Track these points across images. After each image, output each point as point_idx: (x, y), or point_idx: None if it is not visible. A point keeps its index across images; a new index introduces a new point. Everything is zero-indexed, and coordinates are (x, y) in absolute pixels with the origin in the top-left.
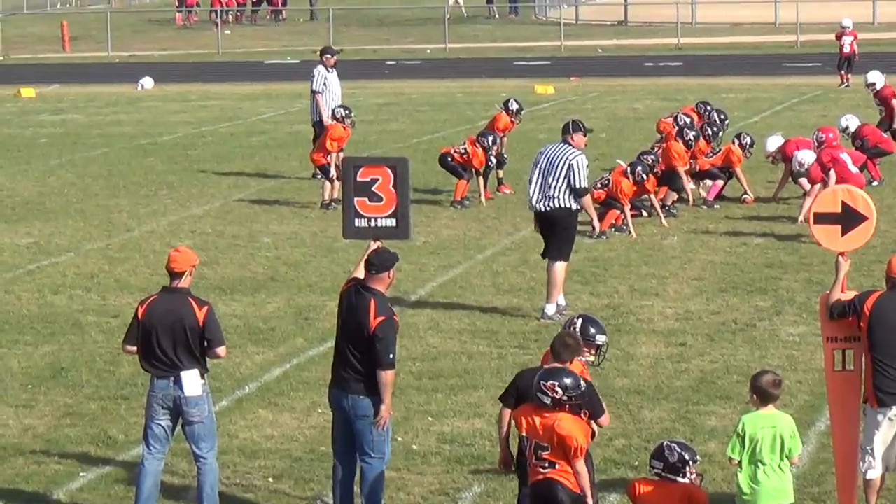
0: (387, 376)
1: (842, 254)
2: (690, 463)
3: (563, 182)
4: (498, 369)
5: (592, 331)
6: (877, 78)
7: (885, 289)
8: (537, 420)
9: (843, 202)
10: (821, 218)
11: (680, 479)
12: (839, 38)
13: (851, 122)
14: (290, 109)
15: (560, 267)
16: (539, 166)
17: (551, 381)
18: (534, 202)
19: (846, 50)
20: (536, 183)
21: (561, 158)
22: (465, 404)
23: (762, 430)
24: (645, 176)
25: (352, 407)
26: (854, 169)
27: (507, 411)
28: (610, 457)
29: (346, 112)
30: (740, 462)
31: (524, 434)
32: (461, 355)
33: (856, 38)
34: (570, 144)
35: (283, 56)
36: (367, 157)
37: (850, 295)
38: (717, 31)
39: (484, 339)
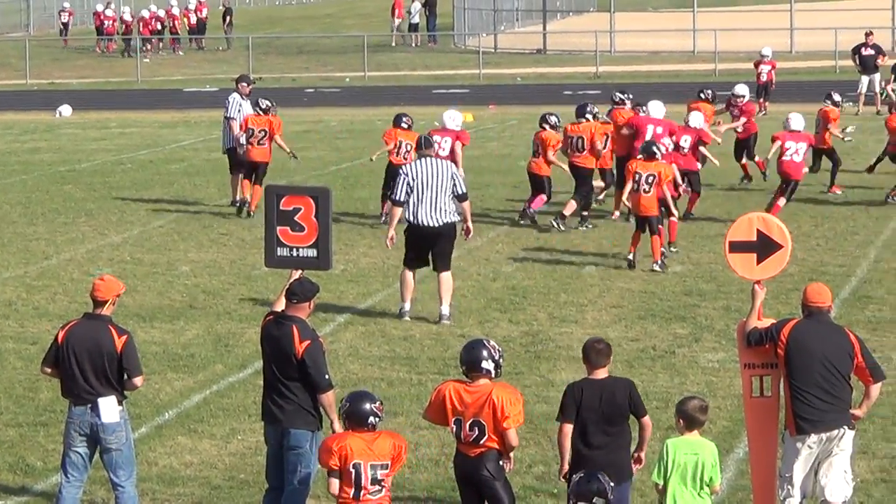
0: (327, 398)
1: (758, 282)
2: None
3: (445, 194)
4: (418, 395)
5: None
6: (745, 91)
7: (802, 316)
8: None
9: (758, 230)
10: (736, 246)
11: None
12: (757, 66)
13: None
14: (208, 137)
15: (448, 276)
16: (422, 184)
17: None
18: (424, 220)
19: (763, 78)
20: (421, 200)
21: (440, 172)
22: None
23: (685, 455)
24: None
25: (284, 439)
26: None
27: (569, 426)
28: (529, 484)
29: (271, 104)
30: (665, 487)
31: None
32: (381, 382)
33: (774, 66)
34: (435, 158)
35: (202, 84)
36: (290, 186)
37: (766, 322)
38: (635, 59)
39: (404, 365)
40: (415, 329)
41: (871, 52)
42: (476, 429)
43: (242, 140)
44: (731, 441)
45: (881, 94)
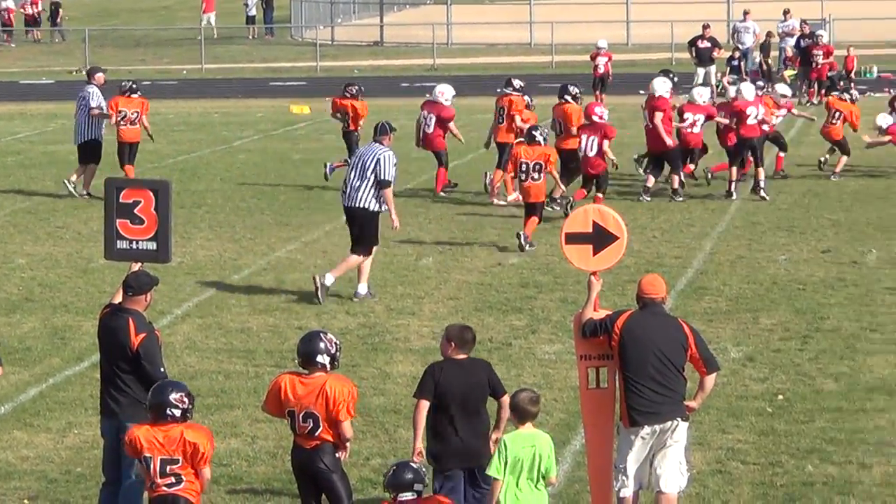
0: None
1: (594, 273)
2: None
3: (370, 179)
4: (255, 388)
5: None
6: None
7: (637, 308)
8: None
9: (594, 222)
10: (572, 238)
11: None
12: (594, 58)
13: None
14: (44, 129)
15: (354, 259)
16: (354, 166)
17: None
18: (343, 200)
19: (600, 70)
20: (349, 181)
21: (371, 156)
22: (221, 424)
23: (523, 449)
24: None
25: (120, 432)
26: None
27: (424, 403)
28: (367, 476)
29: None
30: (503, 482)
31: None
32: (218, 374)
33: (610, 58)
34: (381, 144)
35: (38, 76)
36: (129, 179)
37: (602, 314)
38: (472, 51)
39: (241, 358)
40: (251, 321)
41: (707, 44)
42: (310, 420)
43: (112, 122)
44: (568, 433)
45: (717, 87)
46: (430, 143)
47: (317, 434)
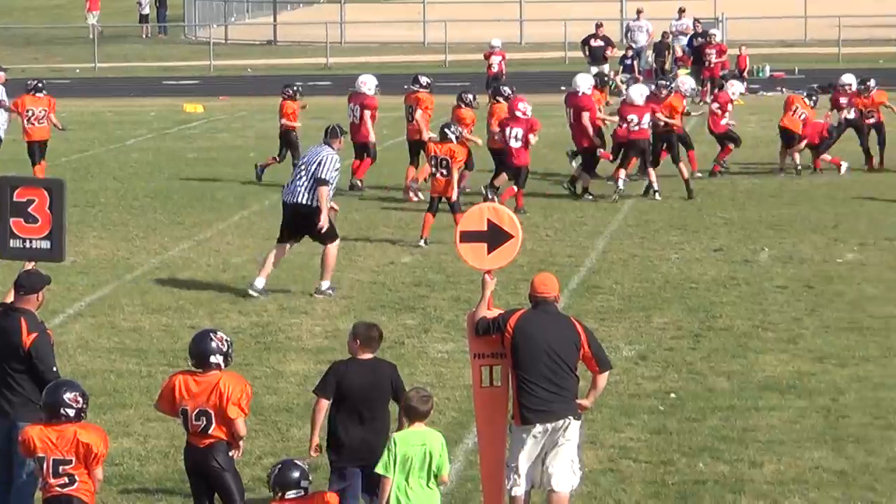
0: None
1: (488, 272)
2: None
3: (313, 179)
4: (147, 388)
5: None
6: (584, 83)
7: (530, 307)
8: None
9: (488, 220)
10: (467, 236)
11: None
12: (487, 57)
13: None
14: None
15: (331, 252)
16: (301, 166)
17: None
18: (284, 192)
19: (494, 69)
20: (293, 179)
21: (317, 157)
22: (113, 423)
23: (413, 447)
24: None
25: (12, 432)
26: None
27: (324, 401)
28: (258, 475)
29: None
30: (393, 480)
31: None
32: (110, 374)
33: (504, 57)
34: (331, 147)
35: None
36: (23, 177)
37: (496, 312)
38: (365, 50)
39: (133, 357)
40: (144, 321)
41: (600, 43)
42: (203, 418)
43: (23, 121)
44: (460, 431)
45: (610, 85)
46: (358, 135)
47: (210, 432)
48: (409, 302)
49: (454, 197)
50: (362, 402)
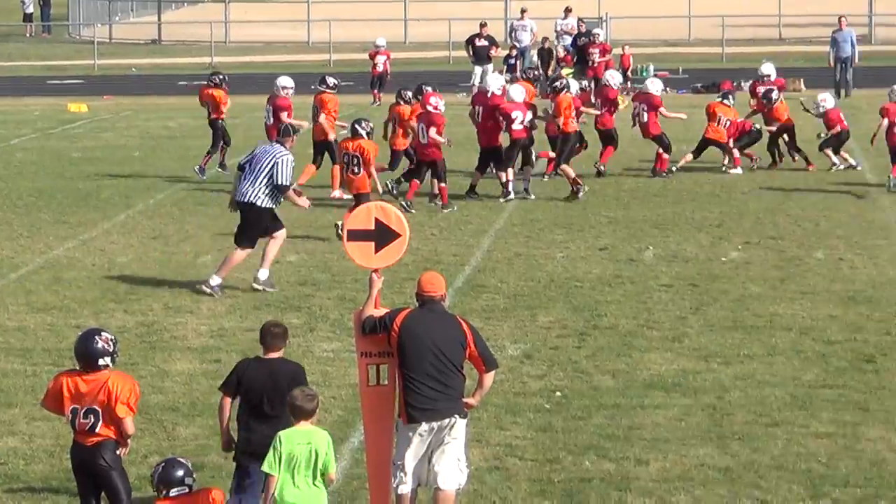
0: None
1: (375, 270)
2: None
3: (263, 178)
4: (32, 387)
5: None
6: (495, 82)
7: (416, 306)
8: None
9: (376, 219)
10: (354, 235)
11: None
12: (372, 57)
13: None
14: None
15: (239, 254)
16: (249, 163)
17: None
18: (235, 192)
19: (379, 69)
20: (242, 177)
21: (268, 157)
22: None
23: (298, 445)
24: None
25: None
26: None
27: (227, 399)
28: (144, 474)
29: None
30: (278, 478)
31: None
32: None
33: (388, 56)
34: (283, 146)
35: None
36: None
37: (382, 311)
38: (250, 49)
39: (18, 357)
40: (29, 320)
41: (484, 42)
42: (91, 417)
43: None
44: (347, 430)
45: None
46: (271, 135)
47: (97, 431)
48: (294, 301)
49: (370, 190)
50: (263, 400)
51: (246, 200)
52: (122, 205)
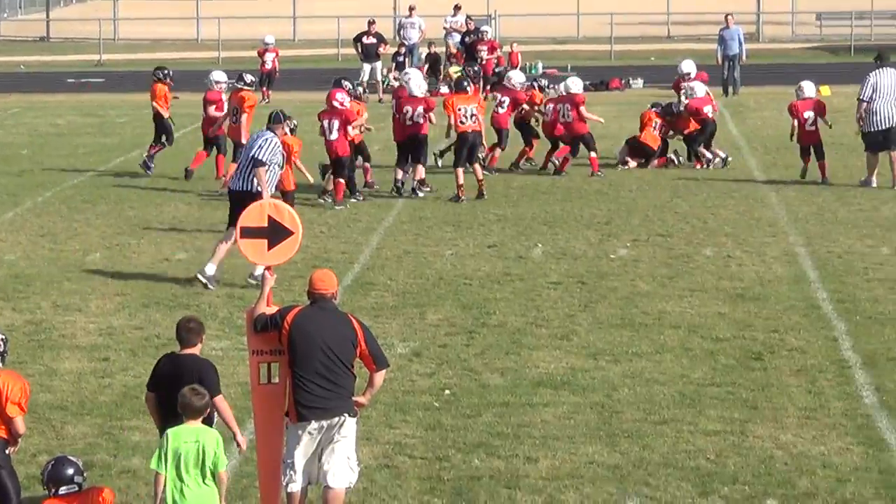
0: None
1: (268, 268)
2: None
3: (251, 161)
4: None
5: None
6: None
7: (308, 304)
8: None
9: (269, 216)
10: (248, 232)
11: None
12: (261, 54)
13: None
14: None
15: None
16: (244, 151)
17: None
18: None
19: (268, 66)
20: (238, 165)
21: (256, 141)
22: None
23: (186, 443)
24: None
25: None
26: None
27: (150, 394)
28: (34, 474)
29: None
30: (166, 476)
31: None
32: None
33: (277, 54)
34: (273, 132)
35: None
36: None
37: (274, 309)
38: (139, 47)
39: None
40: None
41: (373, 40)
42: None
43: None
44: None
45: (383, 83)
46: (205, 130)
47: None
48: (183, 299)
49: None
50: (173, 396)
51: (242, 188)
52: (10, 203)
